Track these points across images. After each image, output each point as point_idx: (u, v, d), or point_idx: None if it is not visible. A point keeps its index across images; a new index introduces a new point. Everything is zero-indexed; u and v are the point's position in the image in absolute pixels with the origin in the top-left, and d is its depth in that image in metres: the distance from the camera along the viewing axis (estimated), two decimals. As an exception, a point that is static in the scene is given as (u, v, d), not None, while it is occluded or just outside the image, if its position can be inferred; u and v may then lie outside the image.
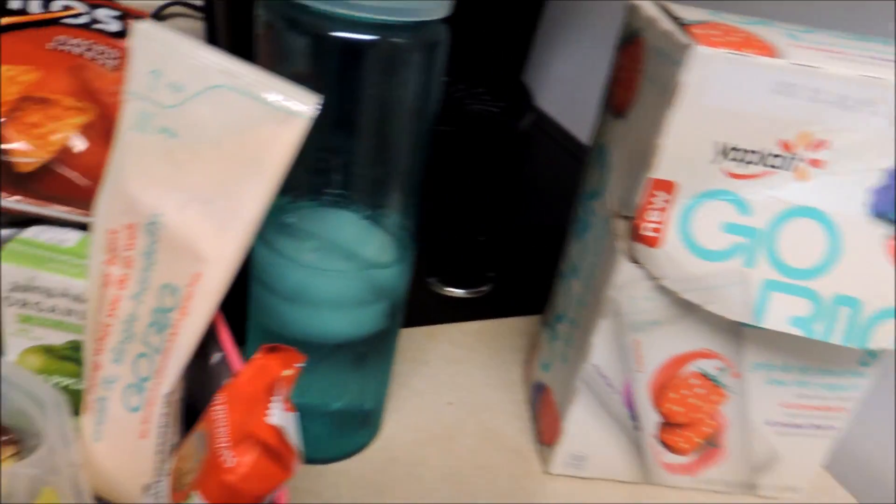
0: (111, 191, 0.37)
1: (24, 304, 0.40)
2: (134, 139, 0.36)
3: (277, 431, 0.30)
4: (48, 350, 0.41)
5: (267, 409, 0.30)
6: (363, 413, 0.49)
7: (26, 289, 0.39)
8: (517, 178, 0.94)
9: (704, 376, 0.46)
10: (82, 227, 0.42)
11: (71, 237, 0.41)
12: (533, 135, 1.02)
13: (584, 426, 0.49)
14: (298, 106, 0.34)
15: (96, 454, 0.39)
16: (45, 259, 0.39)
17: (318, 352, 0.42)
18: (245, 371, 0.33)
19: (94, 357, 0.39)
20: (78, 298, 0.39)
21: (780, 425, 0.48)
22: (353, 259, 0.41)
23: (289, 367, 0.33)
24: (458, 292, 0.68)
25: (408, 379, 0.57)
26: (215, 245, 0.35)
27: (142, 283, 0.37)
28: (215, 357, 0.38)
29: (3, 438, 0.41)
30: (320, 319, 0.42)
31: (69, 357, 0.41)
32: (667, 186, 0.39)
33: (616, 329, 0.44)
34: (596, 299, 0.45)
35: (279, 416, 0.30)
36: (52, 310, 0.40)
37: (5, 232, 0.42)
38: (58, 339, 0.41)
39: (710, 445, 0.49)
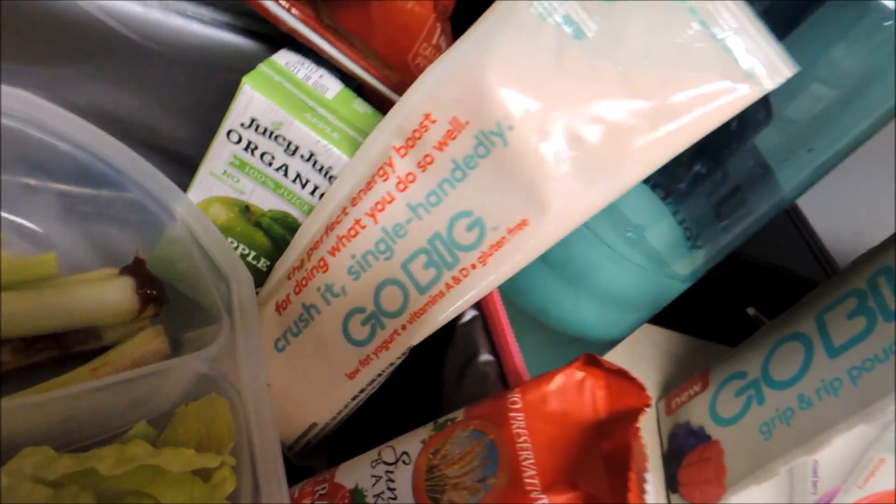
0: (452, 69, 0.26)
1: (251, 148, 0.30)
2: (515, 17, 0.26)
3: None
4: (244, 209, 0.32)
5: (624, 470, 0.22)
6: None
7: (267, 132, 0.29)
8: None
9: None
10: (344, 76, 0.32)
11: (331, 86, 0.31)
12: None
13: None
14: (766, 74, 0.25)
15: (271, 364, 0.31)
16: (301, 105, 0.29)
17: (555, 338, 0.34)
18: (550, 383, 0.25)
19: (320, 251, 0.29)
20: (321, 168, 0.30)
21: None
22: (656, 262, 0.32)
23: (628, 401, 0.25)
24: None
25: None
26: (567, 195, 0.26)
27: (431, 196, 0.27)
28: (483, 356, 0.29)
29: (146, 291, 0.32)
30: (586, 308, 0.33)
31: (267, 229, 0.32)
32: None
33: (870, 439, 0.38)
34: (863, 399, 0.38)
35: (651, 492, 0.22)
36: (283, 169, 0.30)
37: (239, 40, 0.32)
38: (264, 202, 0.31)
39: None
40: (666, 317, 0.59)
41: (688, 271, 0.33)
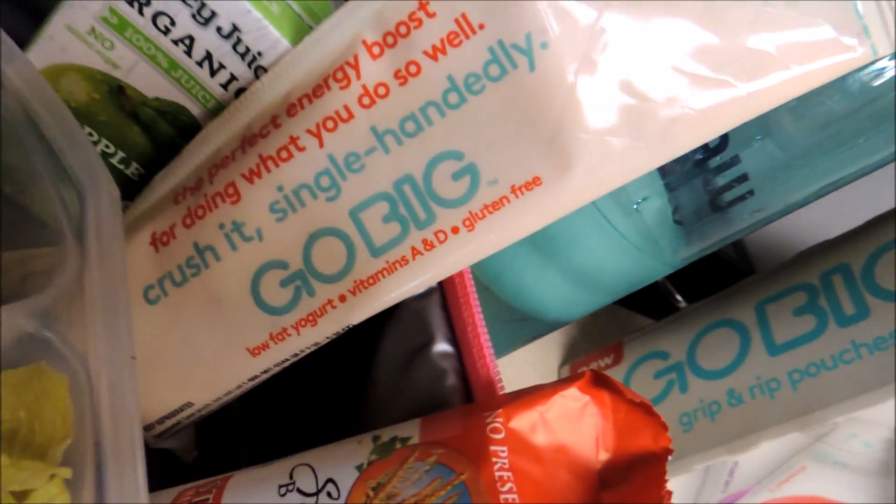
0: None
1: (139, 1, 0.19)
2: None
3: None
4: (116, 90, 0.21)
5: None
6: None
7: (168, -17, 0.19)
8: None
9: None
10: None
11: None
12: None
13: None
14: (884, 36, 0.18)
15: (136, 319, 0.22)
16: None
17: (501, 313, 0.28)
18: (545, 404, 0.19)
19: (229, 172, 0.20)
20: (246, 52, 0.20)
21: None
22: (649, 242, 0.26)
23: (641, 441, 0.19)
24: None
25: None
26: (600, 154, 0.19)
27: (408, 122, 0.19)
28: (438, 345, 0.21)
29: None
30: (552, 282, 0.27)
31: (147, 123, 0.22)
32: None
33: (798, 448, 0.35)
34: (803, 406, 0.35)
35: None
36: (185, 42, 0.20)
37: None
38: (149, 84, 0.21)
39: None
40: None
41: (674, 257, 0.27)
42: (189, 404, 0.22)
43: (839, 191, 0.31)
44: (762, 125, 0.25)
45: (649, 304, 0.54)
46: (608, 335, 0.50)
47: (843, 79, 0.20)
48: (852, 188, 0.33)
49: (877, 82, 0.23)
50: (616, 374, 0.45)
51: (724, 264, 0.56)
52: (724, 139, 0.25)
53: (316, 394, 0.23)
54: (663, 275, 0.28)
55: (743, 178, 0.26)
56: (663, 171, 0.25)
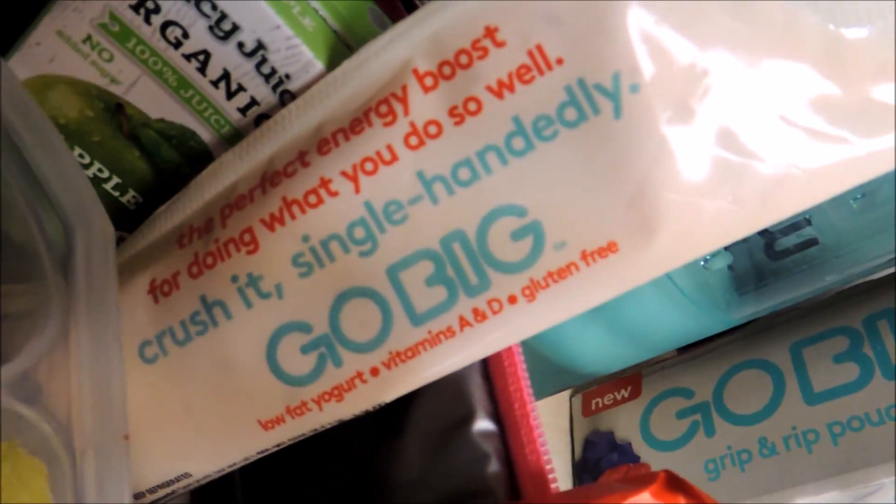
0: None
1: (146, 8, 0.16)
2: None
3: None
4: (114, 108, 0.18)
5: None
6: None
7: (182, -11, 0.16)
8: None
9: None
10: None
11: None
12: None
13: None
14: None
15: (130, 380, 0.18)
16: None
17: (543, 365, 0.25)
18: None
19: (246, 216, 0.17)
20: (270, 73, 0.17)
21: None
22: (707, 296, 0.23)
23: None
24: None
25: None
26: (691, 217, 0.16)
27: (462, 168, 0.16)
28: (479, 422, 0.18)
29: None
30: (593, 334, 0.24)
31: (148, 147, 0.19)
32: None
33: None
34: (843, 462, 0.32)
35: None
36: (198, 58, 0.17)
37: None
38: (153, 103, 0.18)
39: None
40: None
41: (734, 315, 0.25)
42: (186, 475, 0.19)
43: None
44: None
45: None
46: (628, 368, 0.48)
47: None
48: None
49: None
50: (634, 410, 0.42)
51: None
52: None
53: (329, 470, 0.20)
54: (718, 331, 0.25)
55: (812, 241, 0.23)
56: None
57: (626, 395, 0.43)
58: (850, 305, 0.36)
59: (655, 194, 0.16)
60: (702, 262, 0.22)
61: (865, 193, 0.23)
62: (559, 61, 0.15)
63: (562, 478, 0.43)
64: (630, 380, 0.44)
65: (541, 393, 0.30)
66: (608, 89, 0.15)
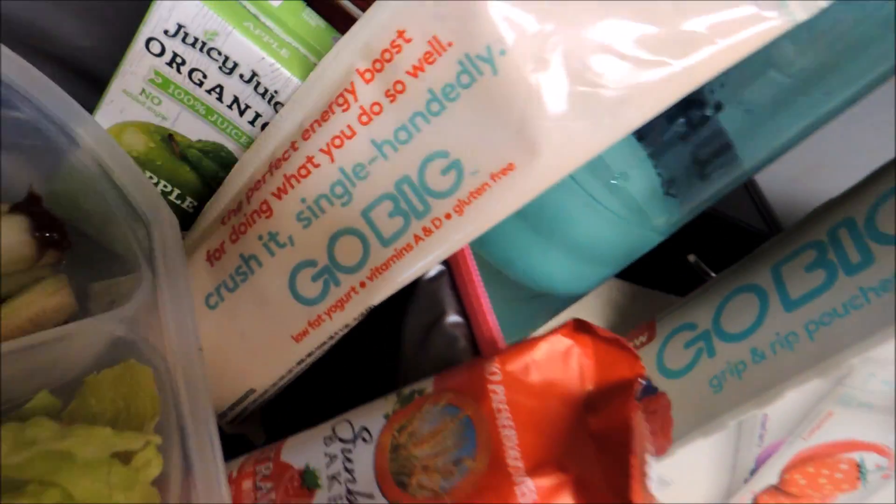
0: (434, -25, 0.22)
1: (176, 63, 0.24)
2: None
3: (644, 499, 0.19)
4: (167, 138, 0.26)
5: (623, 454, 0.20)
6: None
7: (197, 43, 0.23)
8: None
9: (857, 467, 0.41)
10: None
11: (276, -9, 0.26)
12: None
13: (695, 458, 0.42)
14: (798, 2, 0.22)
15: (201, 323, 0.26)
16: (241, 11, 0.24)
17: (518, 292, 0.31)
18: (533, 351, 0.22)
19: (262, 193, 0.25)
20: (264, 92, 0.25)
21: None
22: (635, 212, 0.29)
23: (618, 371, 0.22)
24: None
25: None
26: (563, 137, 0.22)
27: (400, 131, 0.23)
28: (450, 317, 0.25)
29: (44, 234, 0.26)
30: (555, 260, 0.30)
31: (194, 163, 0.27)
32: None
33: (822, 393, 0.37)
34: (820, 353, 0.37)
35: (655, 480, 0.20)
36: (216, 91, 0.25)
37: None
38: (192, 130, 0.26)
39: (794, 519, 0.45)
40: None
41: (664, 224, 0.30)
42: (252, 391, 0.27)
43: (848, 151, 0.33)
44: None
45: (685, 286, 0.56)
46: (645, 318, 0.53)
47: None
48: (853, 146, 0.35)
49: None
50: (651, 351, 0.47)
51: (755, 236, 0.57)
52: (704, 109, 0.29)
53: (355, 365, 0.27)
54: (656, 242, 0.31)
55: (726, 145, 0.29)
56: (646, 143, 0.28)
57: (644, 340, 0.48)
58: (816, 222, 0.41)
59: (533, 124, 0.22)
60: (613, 181, 0.28)
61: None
62: (450, 44, 0.22)
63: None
64: (646, 327, 0.49)
65: (536, 319, 0.35)
66: (485, 56, 0.22)
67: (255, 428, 0.29)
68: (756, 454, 0.41)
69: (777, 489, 0.43)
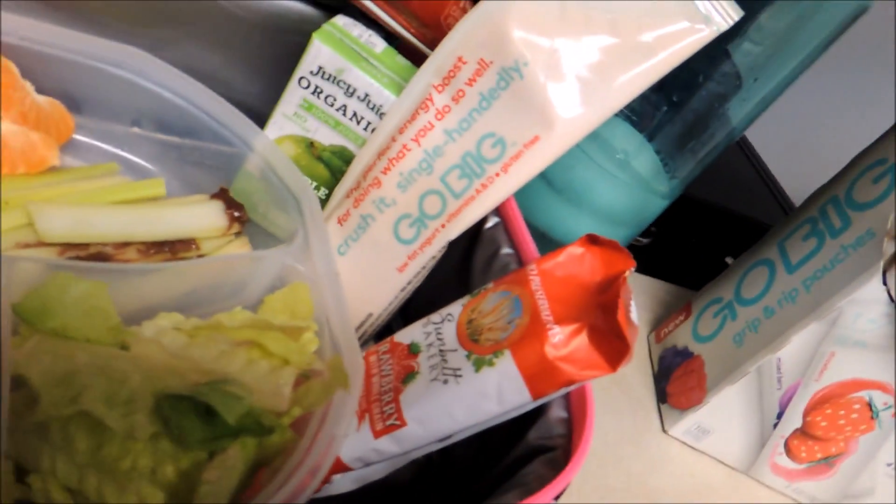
0: (481, 18, 0.34)
1: (318, 92, 0.37)
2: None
3: (630, 330, 0.29)
4: (309, 145, 0.39)
5: (615, 305, 0.30)
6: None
7: (331, 78, 0.37)
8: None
9: (868, 406, 0.48)
10: (388, 34, 0.39)
11: (378, 43, 0.39)
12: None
13: (728, 406, 0.50)
14: (720, 17, 0.33)
15: (340, 265, 0.38)
16: (357, 56, 0.37)
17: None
18: (558, 256, 0.33)
19: (374, 173, 0.37)
20: (373, 107, 0.37)
21: None
22: (640, 181, 0.40)
23: (617, 266, 0.32)
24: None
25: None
26: (569, 115, 0.33)
27: (463, 122, 0.35)
28: (504, 250, 0.37)
29: (232, 212, 0.40)
30: (585, 223, 0.41)
31: (327, 162, 0.40)
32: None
33: (821, 335, 0.45)
34: (815, 301, 0.45)
35: (635, 314, 0.30)
36: (342, 109, 0.38)
37: (305, 8, 0.40)
38: (326, 138, 0.39)
39: (825, 463, 0.52)
40: (656, 269, 0.67)
41: (666, 190, 0.41)
42: (370, 315, 0.38)
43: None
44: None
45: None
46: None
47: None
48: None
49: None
50: (688, 325, 0.56)
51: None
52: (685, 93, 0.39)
53: (442, 289, 0.39)
54: (664, 205, 0.41)
55: (705, 124, 0.39)
56: (642, 127, 0.39)
57: (682, 318, 0.57)
58: (810, 204, 0.50)
59: (549, 109, 0.33)
60: (618, 156, 0.38)
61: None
62: (491, 62, 0.34)
63: (645, 385, 0.57)
64: (684, 309, 0.58)
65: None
66: (514, 68, 0.34)
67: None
68: (778, 397, 0.49)
69: (803, 433, 0.50)
